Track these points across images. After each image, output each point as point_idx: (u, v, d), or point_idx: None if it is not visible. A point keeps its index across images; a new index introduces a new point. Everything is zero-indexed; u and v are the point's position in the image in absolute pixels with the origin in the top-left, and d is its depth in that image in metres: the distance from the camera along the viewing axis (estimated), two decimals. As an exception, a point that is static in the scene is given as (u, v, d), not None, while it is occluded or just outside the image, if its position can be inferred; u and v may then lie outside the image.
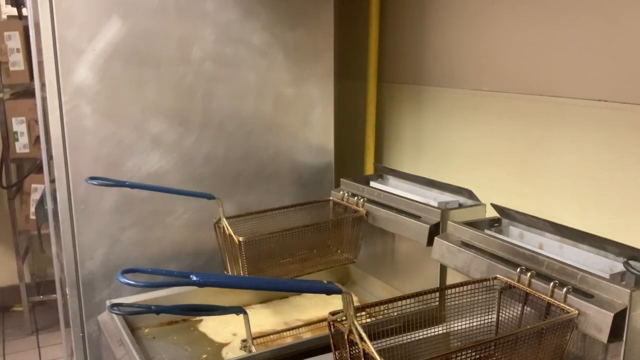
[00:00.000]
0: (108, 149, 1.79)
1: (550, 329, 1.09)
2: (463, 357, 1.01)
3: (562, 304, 1.12)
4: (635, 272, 1.13)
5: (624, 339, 1.05)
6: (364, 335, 1.00)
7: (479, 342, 1.05)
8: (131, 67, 1.78)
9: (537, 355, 1.10)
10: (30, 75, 3.23)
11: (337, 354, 1.09)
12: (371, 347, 0.98)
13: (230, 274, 1.68)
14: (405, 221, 1.64)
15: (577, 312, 1.09)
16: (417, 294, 1.16)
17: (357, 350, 1.02)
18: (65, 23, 1.68)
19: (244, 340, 1.55)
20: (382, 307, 1.14)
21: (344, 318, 1.03)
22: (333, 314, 1.06)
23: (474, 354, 1.02)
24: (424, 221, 1.58)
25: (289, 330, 1.64)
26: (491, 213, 1.52)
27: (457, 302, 1.23)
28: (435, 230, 1.54)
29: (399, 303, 1.15)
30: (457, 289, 1.22)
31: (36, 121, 3.24)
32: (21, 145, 3.40)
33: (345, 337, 1.03)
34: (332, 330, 1.07)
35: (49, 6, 1.66)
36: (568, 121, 1.56)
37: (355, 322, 1.01)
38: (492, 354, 1.07)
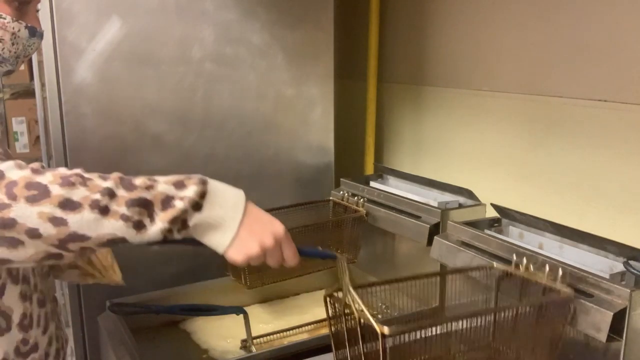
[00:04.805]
0: (108, 149, 1.79)
1: (547, 307, 1.09)
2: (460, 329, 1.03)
3: (558, 286, 1.12)
4: (635, 272, 1.13)
5: (624, 338, 1.05)
6: (359, 300, 0.99)
7: (475, 312, 1.07)
8: (131, 67, 1.78)
9: (535, 339, 1.10)
10: (30, 75, 3.22)
11: (332, 329, 1.09)
12: (367, 313, 0.97)
13: (230, 274, 1.68)
14: (405, 221, 1.64)
15: (573, 292, 1.09)
16: (415, 277, 1.19)
17: (353, 321, 1.01)
18: (65, 23, 1.67)
19: (244, 340, 1.55)
20: (379, 287, 1.14)
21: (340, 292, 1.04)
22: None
23: (470, 331, 1.04)
24: (424, 221, 1.58)
25: (288, 330, 1.64)
26: (491, 213, 1.52)
27: (455, 290, 1.24)
28: (435, 230, 1.54)
29: (397, 284, 1.18)
30: (456, 274, 1.25)
31: (36, 121, 3.24)
32: (21, 145, 3.39)
33: (342, 308, 1.03)
34: (329, 305, 1.07)
35: (49, 6, 1.66)
36: (568, 121, 1.56)
37: (351, 289, 1.02)
38: (491, 333, 1.08)
